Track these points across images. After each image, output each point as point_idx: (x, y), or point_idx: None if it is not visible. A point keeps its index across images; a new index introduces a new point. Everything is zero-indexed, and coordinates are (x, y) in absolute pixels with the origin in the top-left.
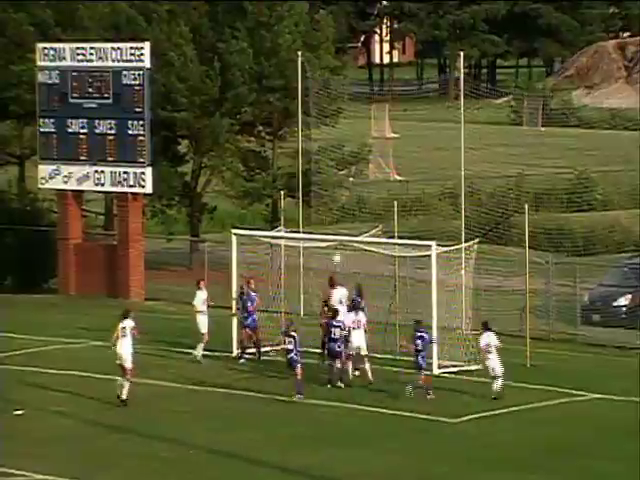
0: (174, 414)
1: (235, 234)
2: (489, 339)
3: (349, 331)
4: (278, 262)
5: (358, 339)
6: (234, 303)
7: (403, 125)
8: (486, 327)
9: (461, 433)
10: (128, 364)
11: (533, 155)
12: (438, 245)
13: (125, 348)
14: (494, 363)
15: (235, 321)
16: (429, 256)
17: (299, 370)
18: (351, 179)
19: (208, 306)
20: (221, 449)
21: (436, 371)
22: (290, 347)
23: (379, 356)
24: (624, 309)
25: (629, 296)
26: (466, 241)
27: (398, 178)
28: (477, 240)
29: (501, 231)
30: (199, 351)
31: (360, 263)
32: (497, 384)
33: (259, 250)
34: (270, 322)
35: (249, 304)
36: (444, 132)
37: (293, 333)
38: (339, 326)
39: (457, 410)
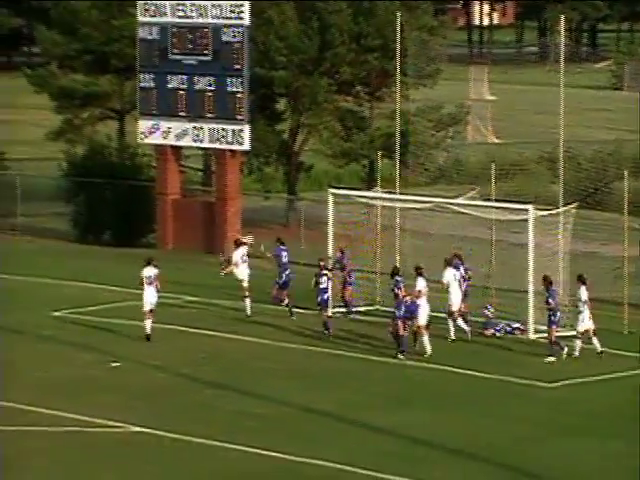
0: (268, 371)
1: (332, 193)
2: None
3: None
4: (374, 222)
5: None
6: (330, 261)
7: (502, 88)
8: (582, 281)
9: (555, 398)
10: (153, 307)
11: (633, 120)
12: (535, 209)
13: (151, 295)
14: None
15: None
16: (526, 220)
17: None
18: (449, 141)
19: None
20: (314, 407)
21: (532, 336)
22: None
23: (475, 319)
24: None
25: None
26: (564, 206)
27: (496, 141)
28: (575, 205)
29: (599, 196)
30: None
31: (457, 225)
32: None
33: (355, 210)
34: (367, 282)
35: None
36: (543, 96)
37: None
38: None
39: (553, 375)
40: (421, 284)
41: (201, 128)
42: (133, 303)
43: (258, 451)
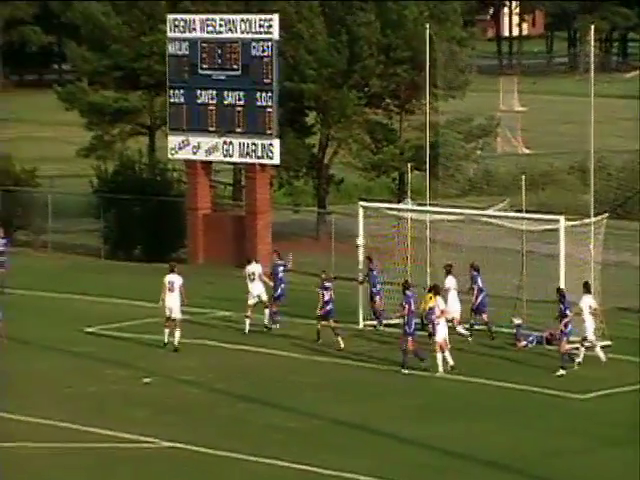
0: (298, 384)
1: (362, 206)
2: (589, 301)
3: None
4: (404, 235)
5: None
6: (361, 275)
7: (532, 98)
8: (587, 290)
9: (588, 409)
10: (177, 315)
11: None
12: (566, 219)
13: (173, 301)
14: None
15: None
16: (557, 230)
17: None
18: (479, 152)
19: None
20: (343, 419)
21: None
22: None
23: (505, 330)
24: None
25: None
26: (595, 216)
27: (526, 151)
28: (606, 215)
29: (630, 206)
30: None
31: (487, 237)
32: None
33: (385, 222)
34: (397, 294)
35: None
36: (573, 106)
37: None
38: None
39: (585, 386)
40: (451, 282)
41: (231, 143)
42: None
43: (287, 464)
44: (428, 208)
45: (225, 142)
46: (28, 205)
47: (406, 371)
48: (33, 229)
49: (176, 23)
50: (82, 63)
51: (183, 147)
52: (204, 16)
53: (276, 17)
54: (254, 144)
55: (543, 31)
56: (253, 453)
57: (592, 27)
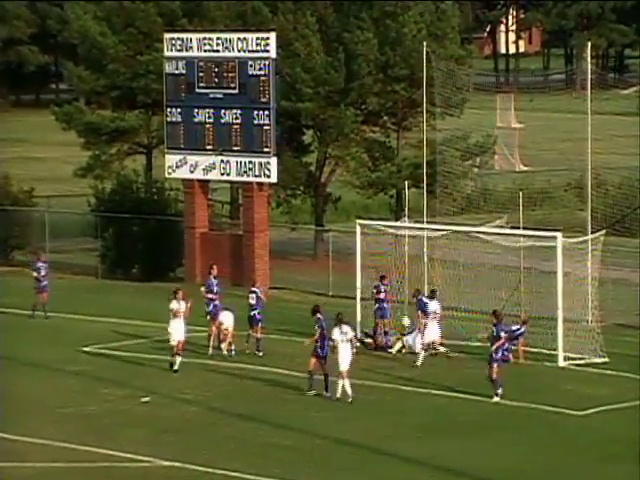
0: (299, 403)
1: (360, 224)
2: (436, 306)
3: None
4: (402, 252)
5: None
6: (358, 292)
7: (529, 116)
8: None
9: (587, 426)
10: (181, 339)
11: None
12: (564, 236)
13: (173, 328)
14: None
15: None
16: (554, 247)
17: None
18: (476, 170)
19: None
20: (345, 438)
21: (562, 363)
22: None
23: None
24: None
25: None
26: (592, 233)
27: (524, 169)
28: (603, 232)
29: (628, 223)
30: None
31: (485, 254)
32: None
33: (383, 240)
34: (395, 312)
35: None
36: (570, 123)
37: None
38: None
39: (584, 403)
40: (434, 307)
41: (228, 161)
42: (163, 337)
43: None
44: (425, 225)
45: (222, 161)
46: (25, 225)
47: (311, 392)
48: (31, 249)
49: (173, 42)
50: (79, 83)
51: (180, 166)
52: (201, 35)
53: (273, 35)
54: (251, 162)
55: (540, 48)
56: (253, 472)
57: (589, 44)
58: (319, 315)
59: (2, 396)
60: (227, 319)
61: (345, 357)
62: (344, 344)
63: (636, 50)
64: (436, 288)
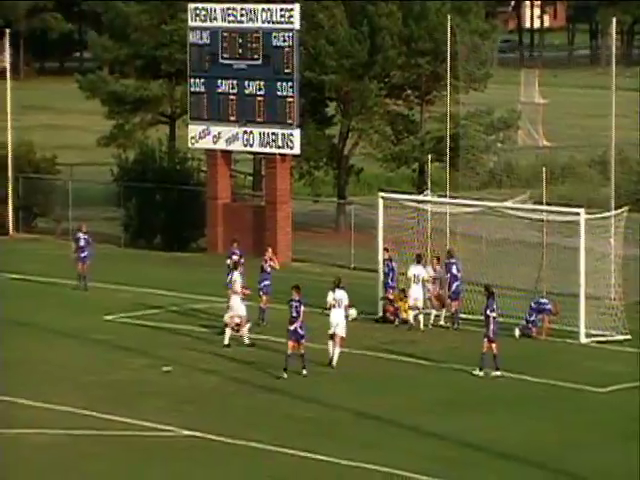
0: (319, 375)
1: (382, 197)
2: (416, 270)
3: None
4: (424, 226)
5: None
6: (380, 266)
7: (553, 91)
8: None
9: (608, 403)
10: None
11: None
12: (586, 212)
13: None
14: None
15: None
16: (577, 224)
17: None
18: (499, 144)
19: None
20: (366, 411)
21: (583, 340)
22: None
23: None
24: None
25: None
26: (615, 209)
27: (547, 144)
28: (627, 208)
29: None
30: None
31: (507, 229)
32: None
33: (405, 214)
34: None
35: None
36: (594, 99)
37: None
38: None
39: (605, 380)
40: (418, 270)
41: (251, 132)
42: (185, 307)
43: (307, 454)
44: (448, 200)
45: (245, 132)
46: (49, 193)
47: (285, 375)
48: (54, 217)
49: (197, 12)
50: (103, 52)
51: (203, 136)
52: (225, 5)
53: (297, 7)
54: (274, 134)
55: (564, 23)
56: (272, 443)
57: (614, 20)
58: (297, 297)
59: (24, 363)
60: (242, 309)
61: (336, 321)
62: (335, 309)
63: None
64: (422, 253)
